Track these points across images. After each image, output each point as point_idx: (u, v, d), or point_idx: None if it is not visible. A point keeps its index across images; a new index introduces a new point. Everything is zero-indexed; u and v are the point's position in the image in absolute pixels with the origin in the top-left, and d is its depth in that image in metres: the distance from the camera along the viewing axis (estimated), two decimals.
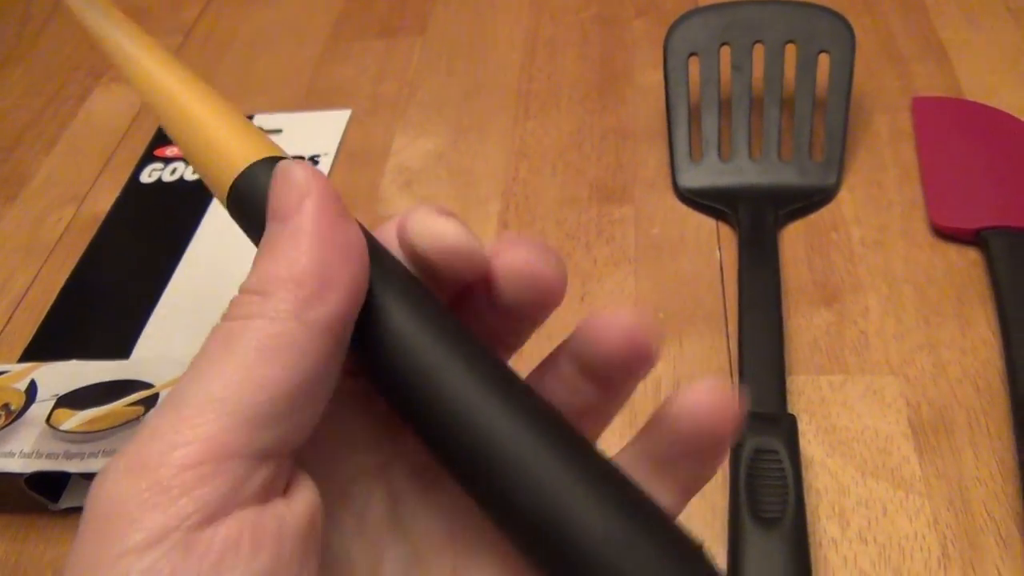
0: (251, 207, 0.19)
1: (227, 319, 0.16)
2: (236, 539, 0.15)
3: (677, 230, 0.44)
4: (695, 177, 0.46)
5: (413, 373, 0.17)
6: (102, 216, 0.50)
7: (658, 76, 0.48)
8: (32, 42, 0.66)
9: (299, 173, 0.17)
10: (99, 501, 0.15)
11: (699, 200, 0.45)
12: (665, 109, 0.47)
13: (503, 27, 0.59)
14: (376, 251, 0.18)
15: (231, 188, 0.19)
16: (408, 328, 0.17)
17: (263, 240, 0.17)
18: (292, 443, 0.16)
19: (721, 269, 0.42)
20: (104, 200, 0.51)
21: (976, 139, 0.45)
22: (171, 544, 0.14)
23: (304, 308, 0.16)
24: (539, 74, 0.55)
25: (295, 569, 0.15)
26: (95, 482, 0.15)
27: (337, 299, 0.16)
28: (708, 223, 0.45)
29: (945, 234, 0.42)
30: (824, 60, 0.46)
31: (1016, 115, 0.46)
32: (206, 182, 0.20)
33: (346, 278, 0.16)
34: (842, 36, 0.46)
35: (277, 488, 0.16)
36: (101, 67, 0.62)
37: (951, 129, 0.46)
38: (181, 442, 0.15)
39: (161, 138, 0.55)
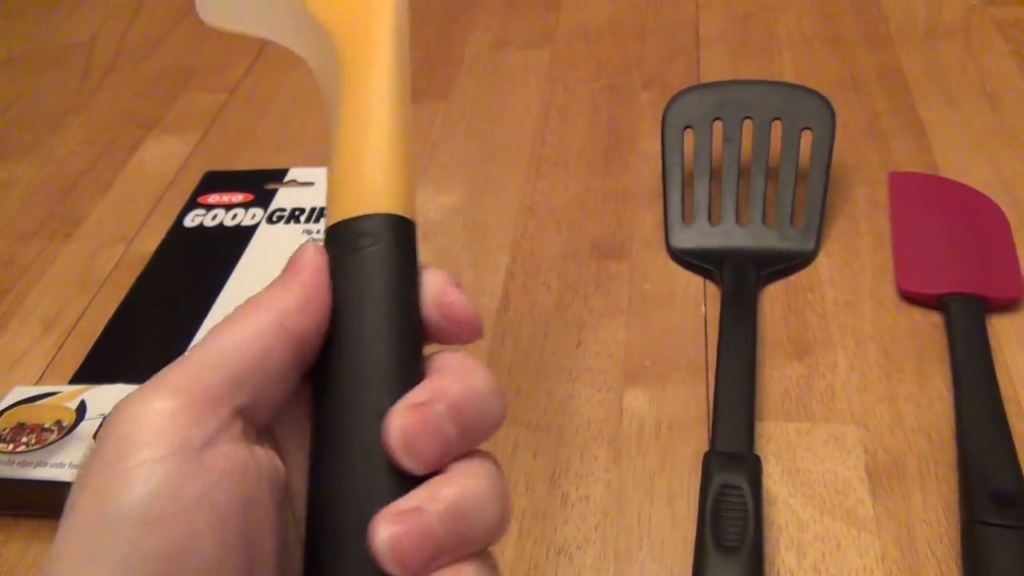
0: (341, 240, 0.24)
1: (231, 316, 0.23)
2: (230, 465, 0.21)
3: (667, 286, 0.49)
4: (686, 238, 0.50)
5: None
6: (148, 255, 0.55)
7: (659, 145, 0.52)
8: (91, 95, 0.72)
9: (311, 250, 0.24)
10: (118, 423, 0.21)
11: (689, 259, 0.49)
12: (662, 176, 0.52)
13: (520, 95, 0.65)
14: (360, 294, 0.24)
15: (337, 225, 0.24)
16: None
17: (275, 279, 0.24)
18: (260, 411, 0.23)
19: (705, 323, 0.47)
20: (151, 241, 0.56)
21: (944, 212, 0.49)
22: (182, 458, 0.20)
23: (284, 318, 0.23)
24: (551, 139, 0.60)
25: (269, 502, 0.22)
26: (115, 409, 0.21)
27: (306, 320, 0.23)
28: (696, 280, 0.49)
29: (910, 298, 0.46)
30: (807, 136, 0.50)
31: (983, 191, 0.50)
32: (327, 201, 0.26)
33: (317, 311, 0.23)
34: (824, 115, 0.50)
35: (252, 439, 0.22)
36: (153, 119, 0.68)
37: (922, 202, 0.50)
38: (188, 388, 0.21)
39: (204, 186, 0.60)
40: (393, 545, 0.20)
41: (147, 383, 0.21)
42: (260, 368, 0.22)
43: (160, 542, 0.19)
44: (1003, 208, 0.49)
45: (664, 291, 0.49)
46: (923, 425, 0.40)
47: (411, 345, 0.24)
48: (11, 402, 0.44)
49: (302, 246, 0.25)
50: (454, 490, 0.22)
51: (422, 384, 0.23)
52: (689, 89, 0.53)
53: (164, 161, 0.64)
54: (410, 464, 0.22)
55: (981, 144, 0.55)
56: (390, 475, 0.22)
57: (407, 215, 0.25)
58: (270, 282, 0.24)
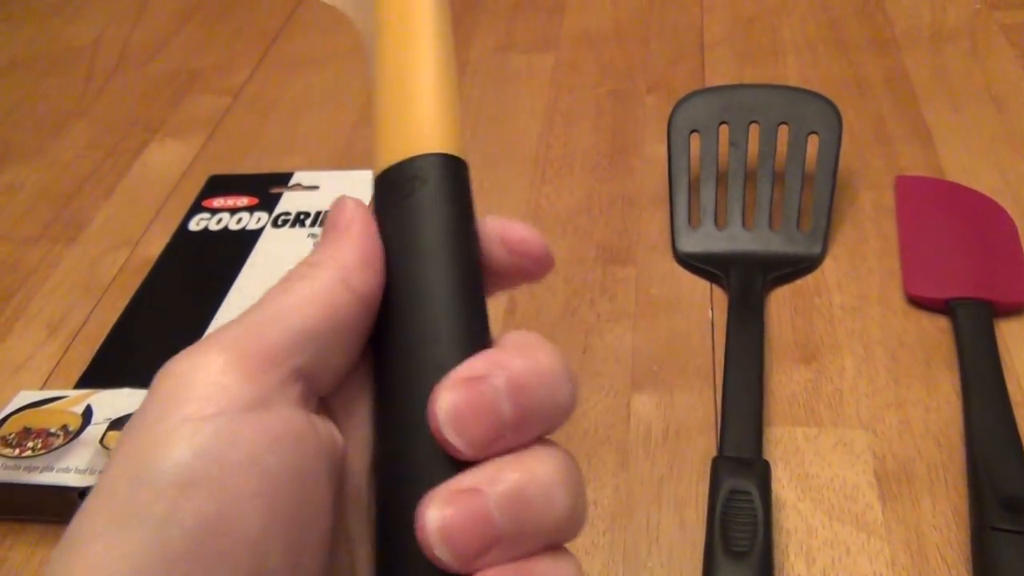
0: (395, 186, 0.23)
1: (287, 279, 0.21)
2: (285, 430, 0.19)
3: (674, 290, 0.49)
4: (692, 242, 0.50)
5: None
6: (153, 260, 0.55)
7: (664, 149, 0.52)
8: (95, 98, 0.72)
9: (351, 203, 0.23)
10: (163, 381, 0.19)
11: (695, 263, 0.49)
12: (667, 180, 0.52)
13: (524, 100, 0.65)
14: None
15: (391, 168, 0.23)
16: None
17: (322, 239, 0.23)
18: (321, 377, 0.21)
19: (712, 328, 0.46)
20: (155, 245, 0.56)
21: (952, 217, 0.49)
22: (231, 418, 0.18)
23: (346, 274, 0.21)
24: (556, 143, 0.60)
25: (325, 478, 0.20)
26: (163, 368, 0.19)
27: (370, 277, 0.21)
28: (702, 285, 0.49)
29: (918, 302, 0.46)
30: (813, 140, 0.50)
31: (991, 195, 0.50)
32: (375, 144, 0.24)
33: (374, 265, 0.22)
34: (830, 119, 0.50)
35: (311, 409, 0.20)
36: (157, 123, 0.68)
37: (930, 207, 0.50)
38: (244, 344, 0.19)
39: (209, 190, 0.60)
40: (443, 528, 0.18)
41: (199, 341, 0.20)
42: (327, 327, 0.20)
43: (200, 506, 0.17)
44: (1010, 212, 0.49)
45: (671, 295, 0.48)
46: (932, 430, 0.40)
47: (473, 294, 0.22)
48: (17, 407, 0.44)
49: (339, 201, 0.23)
50: (518, 473, 0.19)
51: (479, 355, 0.20)
52: (695, 93, 0.53)
53: (168, 165, 0.63)
54: (458, 444, 0.19)
55: (987, 148, 0.55)
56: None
57: (458, 154, 0.23)
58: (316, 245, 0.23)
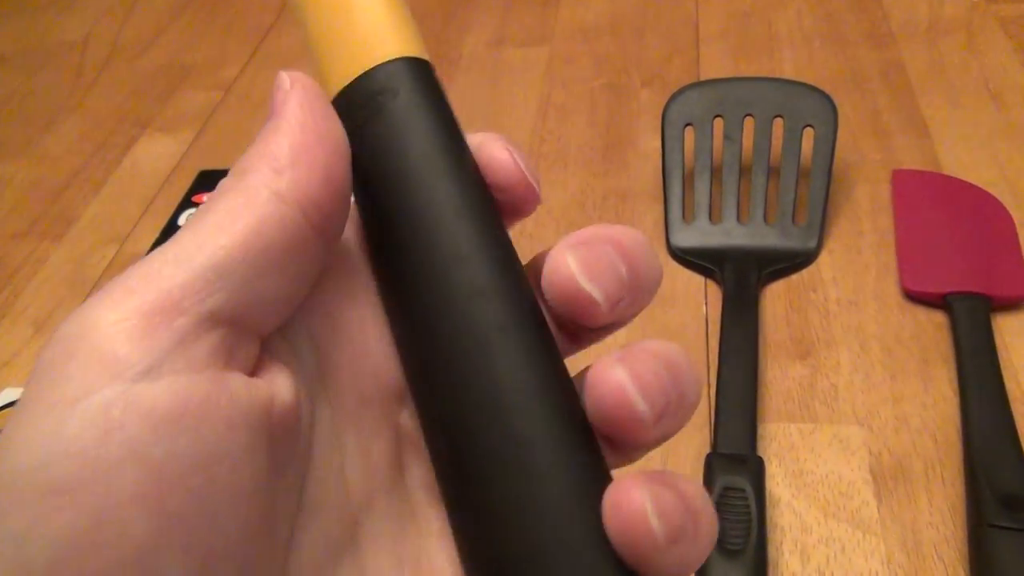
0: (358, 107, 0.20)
1: (210, 195, 0.17)
2: (181, 404, 0.15)
3: (668, 286, 0.48)
4: (686, 237, 0.49)
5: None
6: (141, 256, 0.54)
7: (658, 143, 0.52)
8: (85, 93, 0.71)
9: (285, 77, 0.18)
10: (51, 346, 0.15)
11: (689, 258, 0.49)
12: (661, 174, 0.51)
13: (518, 94, 0.64)
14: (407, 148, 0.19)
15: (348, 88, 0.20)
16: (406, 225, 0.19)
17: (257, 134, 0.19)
18: (256, 312, 0.17)
19: (706, 323, 0.46)
20: (144, 241, 0.56)
21: (949, 211, 0.49)
22: (109, 398, 0.14)
23: (274, 178, 0.17)
24: (549, 137, 0.60)
25: (244, 456, 0.16)
26: (57, 326, 0.16)
27: (308, 176, 0.17)
28: (697, 280, 0.48)
29: (914, 297, 0.45)
30: (809, 134, 0.50)
31: (988, 189, 0.50)
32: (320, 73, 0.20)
33: (319, 159, 0.17)
34: (826, 113, 0.50)
35: (234, 363, 0.16)
36: (147, 118, 0.67)
37: (926, 201, 0.49)
38: (139, 293, 0.15)
39: (199, 185, 0.59)
40: (634, 382, 0.17)
41: (101, 290, 0.16)
42: (251, 251, 0.16)
43: (68, 519, 0.14)
44: (1007, 206, 0.49)
45: (664, 291, 0.48)
46: (928, 426, 0.40)
47: (490, 204, 0.19)
48: (1, 404, 0.43)
49: (276, 80, 0.18)
50: (656, 343, 0.18)
51: (581, 230, 0.19)
52: (690, 86, 0.52)
53: (158, 160, 0.63)
54: (597, 295, 0.18)
55: (984, 142, 0.54)
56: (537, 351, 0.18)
57: (424, 56, 0.20)
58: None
